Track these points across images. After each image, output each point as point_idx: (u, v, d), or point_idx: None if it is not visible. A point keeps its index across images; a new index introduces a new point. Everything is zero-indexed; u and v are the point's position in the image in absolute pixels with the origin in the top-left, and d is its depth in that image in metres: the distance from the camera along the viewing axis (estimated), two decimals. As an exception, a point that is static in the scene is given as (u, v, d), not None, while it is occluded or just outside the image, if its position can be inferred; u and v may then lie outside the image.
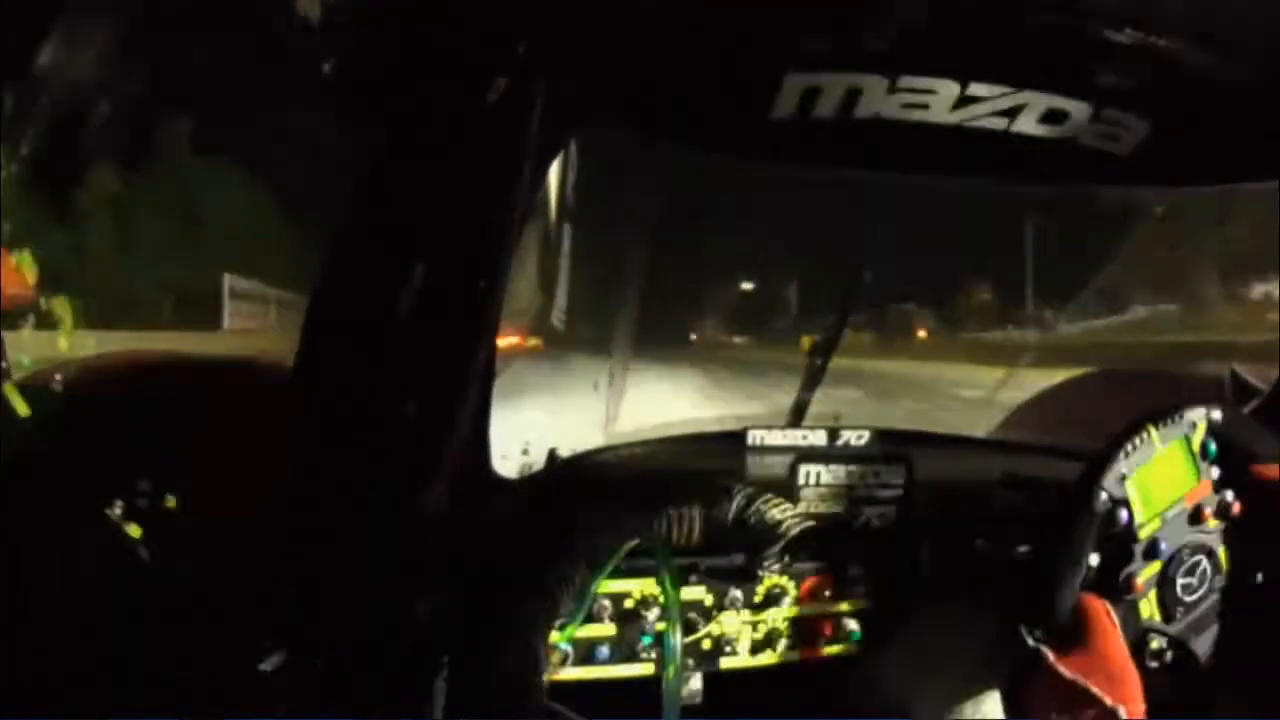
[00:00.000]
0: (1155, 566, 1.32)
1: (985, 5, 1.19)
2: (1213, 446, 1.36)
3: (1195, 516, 1.35)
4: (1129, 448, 1.30)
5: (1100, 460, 1.30)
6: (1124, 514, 1.29)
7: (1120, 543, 1.30)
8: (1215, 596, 1.36)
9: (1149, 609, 1.32)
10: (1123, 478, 1.29)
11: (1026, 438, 2.01)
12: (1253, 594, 1.37)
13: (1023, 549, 1.42)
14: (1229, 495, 1.36)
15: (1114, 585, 1.29)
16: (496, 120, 1.11)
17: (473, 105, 1.10)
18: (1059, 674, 1.18)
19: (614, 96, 1.30)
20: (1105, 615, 1.24)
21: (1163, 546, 1.31)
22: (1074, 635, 1.23)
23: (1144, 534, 1.31)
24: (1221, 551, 1.36)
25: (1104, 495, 1.28)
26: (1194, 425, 1.36)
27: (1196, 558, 1.34)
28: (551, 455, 1.51)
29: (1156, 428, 1.33)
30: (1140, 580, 1.30)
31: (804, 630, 1.40)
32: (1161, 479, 1.33)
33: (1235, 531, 1.37)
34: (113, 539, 1.06)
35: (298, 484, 1.07)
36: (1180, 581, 1.33)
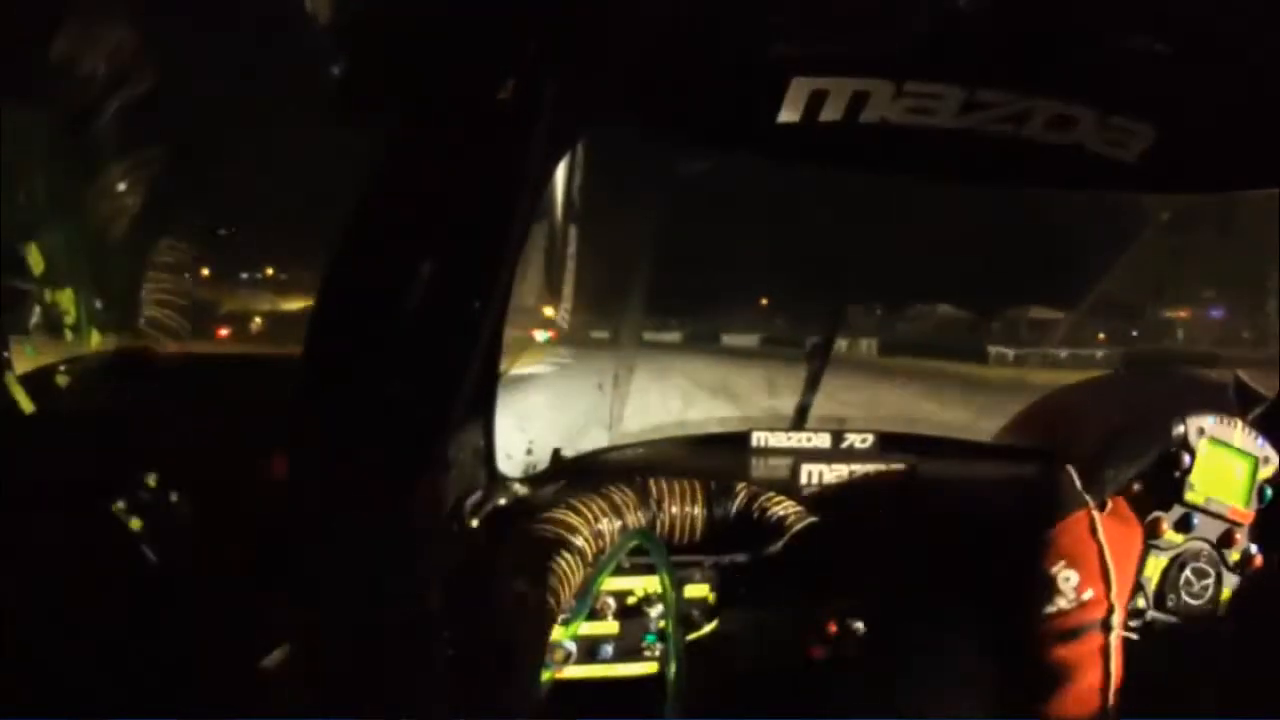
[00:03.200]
0: (1179, 539, 1.35)
1: (991, 12, 1.19)
2: (1269, 493, 1.39)
3: (1227, 537, 1.37)
4: (1220, 418, 1.35)
5: (1197, 406, 1.34)
6: (1186, 459, 1.33)
7: (1168, 487, 1.34)
8: (1201, 623, 1.38)
9: (1152, 571, 1.35)
10: (1201, 432, 1.34)
11: (1030, 441, 2.01)
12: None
13: None
14: (1254, 548, 1.39)
15: (1143, 523, 1.33)
16: (505, 119, 1.11)
17: (482, 103, 1.10)
18: (1095, 526, 1.24)
19: (623, 96, 1.30)
20: (1136, 528, 1.31)
21: (1195, 523, 1.34)
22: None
23: (1188, 497, 1.34)
24: (1225, 592, 1.38)
25: (1181, 428, 1.33)
26: (1268, 460, 1.39)
27: (1208, 571, 1.36)
28: (556, 455, 1.51)
29: (1244, 426, 1.37)
30: (1165, 528, 1.33)
31: (807, 629, 1.40)
32: (1224, 471, 1.36)
33: (1245, 583, 1.39)
34: (114, 535, 1.07)
35: (300, 482, 1.07)
36: (1186, 574, 1.35)
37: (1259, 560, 1.39)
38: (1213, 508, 1.36)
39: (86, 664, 1.00)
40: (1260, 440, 1.39)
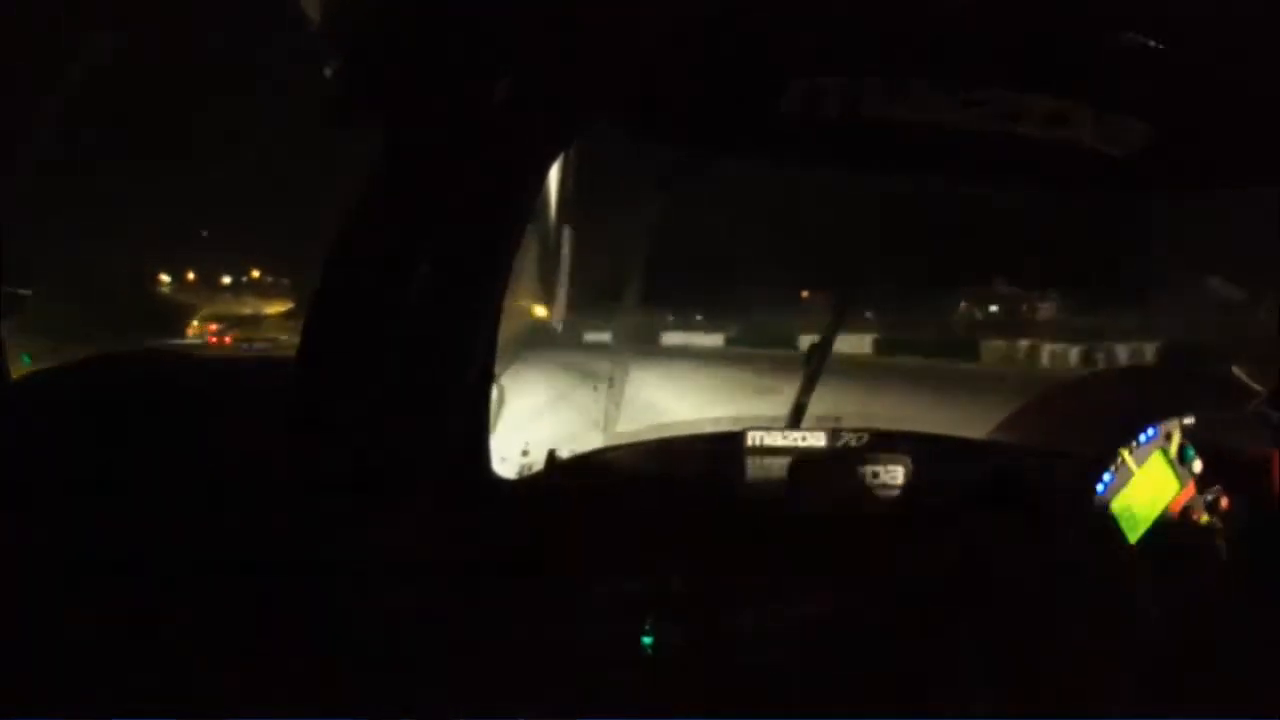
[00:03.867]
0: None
1: (989, 10, 1.19)
2: (1190, 450, 1.39)
3: (1186, 517, 1.37)
4: (1106, 478, 1.32)
5: (1081, 496, 1.32)
6: (1116, 534, 1.32)
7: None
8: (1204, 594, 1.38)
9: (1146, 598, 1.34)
10: (1105, 507, 1.31)
11: (1027, 438, 2.01)
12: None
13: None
14: (1211, 494, 1.39)
15: None
16: (499, 120, 1.11)
17: (476, 105, 1.10)
18: None
19: (618, 97, 1.30)
20: None
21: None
22: None
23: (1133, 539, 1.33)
24: (1220, 544, 1.38)
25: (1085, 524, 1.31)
26: (1169, 436, 1.38)
27: (1188, 560, 1.36)
28: (551, 456, 1.51)
29: (1130, 452, 1.35)
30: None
31: (806, 630, 1.40)
32: (1143, 496, 1.35)
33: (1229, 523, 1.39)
34: (111, 535, 1.07)
35: (296, 481, 1.07)
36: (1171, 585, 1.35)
37: (1225, 502, 1.39)
38: (1157, 524, 1.36)
39: (84, 663, 1.00)
40: (1150, 429, 1.37)
